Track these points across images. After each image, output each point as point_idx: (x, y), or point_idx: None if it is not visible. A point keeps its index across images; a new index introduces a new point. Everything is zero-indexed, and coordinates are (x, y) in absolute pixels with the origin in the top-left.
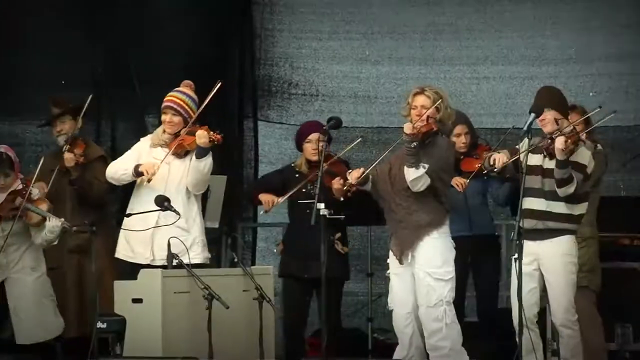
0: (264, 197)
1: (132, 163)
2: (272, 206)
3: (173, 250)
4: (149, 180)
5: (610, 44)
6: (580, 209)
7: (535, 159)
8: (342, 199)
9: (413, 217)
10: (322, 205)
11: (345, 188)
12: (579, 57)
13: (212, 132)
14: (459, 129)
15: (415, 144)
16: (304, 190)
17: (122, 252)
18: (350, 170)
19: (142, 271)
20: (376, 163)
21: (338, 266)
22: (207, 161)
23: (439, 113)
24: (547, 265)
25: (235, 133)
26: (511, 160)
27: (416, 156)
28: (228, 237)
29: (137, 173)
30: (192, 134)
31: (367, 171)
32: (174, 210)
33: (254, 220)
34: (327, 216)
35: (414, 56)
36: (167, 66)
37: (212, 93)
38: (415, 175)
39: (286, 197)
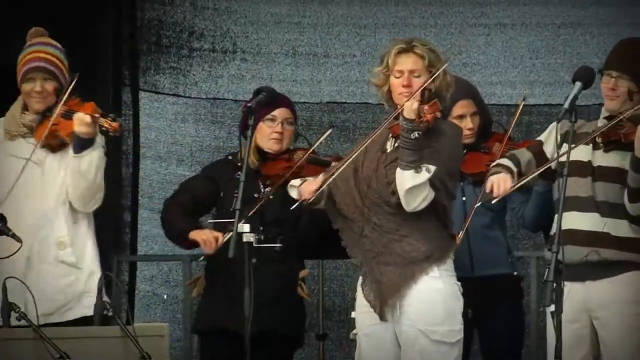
0: (199, 236)
1: None
2: (217, 246)
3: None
4: None
5: None
6: None
7: (581, 152)
8: None
9: (402, 247)
10: (246, 228)
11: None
12: None
13: (102, 116)
14: (461, 106)
15: (418, 133)
16: (256, 196)
17: None
18: (299, 181)
19: None
20: (342, 167)
21: (297, 319)
22: (92, 156)
23: (434, 82)
24: (602, 318)
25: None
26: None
27: (418, 152)
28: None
29: None
30: (68, 116)
31: (329, 181)
32: (12, 235)
33: (132, 251)
34: (255, 244)
35: None
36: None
37: (71, 86)
38: (414, 183)
39: (234, 230)
